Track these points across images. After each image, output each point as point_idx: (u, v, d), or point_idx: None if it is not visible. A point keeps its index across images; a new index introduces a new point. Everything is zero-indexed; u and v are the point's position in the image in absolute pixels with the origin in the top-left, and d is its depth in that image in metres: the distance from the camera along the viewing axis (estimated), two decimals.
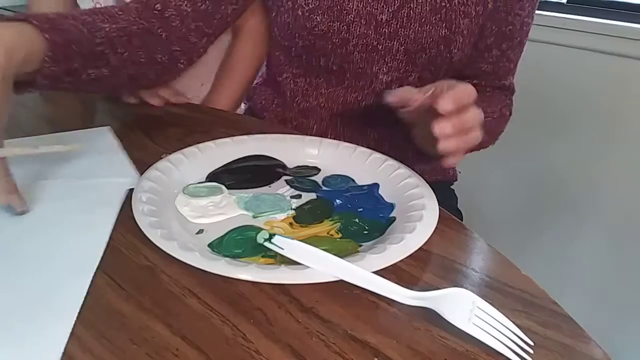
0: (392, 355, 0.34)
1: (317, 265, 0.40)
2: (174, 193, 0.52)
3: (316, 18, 0.70)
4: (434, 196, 0.52)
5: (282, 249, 0.42)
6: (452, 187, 0.92)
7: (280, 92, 0.81)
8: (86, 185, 0.53)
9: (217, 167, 0.58)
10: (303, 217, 0.50)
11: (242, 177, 0.56)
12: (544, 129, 1.33)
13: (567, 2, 1.30)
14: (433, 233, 0.46)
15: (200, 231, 0.46)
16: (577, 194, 1.33)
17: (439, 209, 0.50)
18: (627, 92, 1.21)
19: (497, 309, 0.37)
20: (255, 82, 0.87)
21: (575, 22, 1.23)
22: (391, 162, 0.58)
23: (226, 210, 0.49)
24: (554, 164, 1.35)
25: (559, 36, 1.24)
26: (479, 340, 0.35)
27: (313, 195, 0.54)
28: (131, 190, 0.50)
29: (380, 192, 0.55)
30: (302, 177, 0.58)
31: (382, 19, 0.70)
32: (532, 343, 0.35)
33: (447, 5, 0.70)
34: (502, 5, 0.72)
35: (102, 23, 0.59)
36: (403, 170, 0.56)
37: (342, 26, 0.70)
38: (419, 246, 0.43)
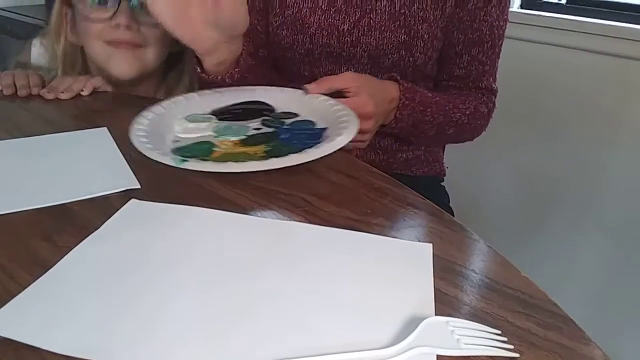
0: None
1: None
2: (179, 118, 0.67)
3: (282, 32, 0.79)
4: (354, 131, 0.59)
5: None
6: (442, 184, 0.92)
7: None
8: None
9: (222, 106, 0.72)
10: (248, 141, 0.63)
11: (234, 114, 0.70)
12: (542, 129, 1.33)
13: (566, 3, 1.30)
14: (433, 234, 0.46)
15: (177, 141, 0.62)
16: (577, 194, 1.33)
17: (439, 210, 0.50)
18: (626, 93, 1.21)
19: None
20: None
21: (574, 23, 1.23)
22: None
23: (202, 131, 0.64)
24: (552, 165, 1.35)
25: (557, 37, 1.24)
26: None
27: (271, 130, 0.66)
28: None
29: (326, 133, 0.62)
30: (277, 118, 0.68)
31: (343, 29, 0.76)
32: (499, 332, 0.35)
33: (406, 12, 0.73)
34: (465, 15, 0.75)
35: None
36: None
37: (305, 38, 0.77)
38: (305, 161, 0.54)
